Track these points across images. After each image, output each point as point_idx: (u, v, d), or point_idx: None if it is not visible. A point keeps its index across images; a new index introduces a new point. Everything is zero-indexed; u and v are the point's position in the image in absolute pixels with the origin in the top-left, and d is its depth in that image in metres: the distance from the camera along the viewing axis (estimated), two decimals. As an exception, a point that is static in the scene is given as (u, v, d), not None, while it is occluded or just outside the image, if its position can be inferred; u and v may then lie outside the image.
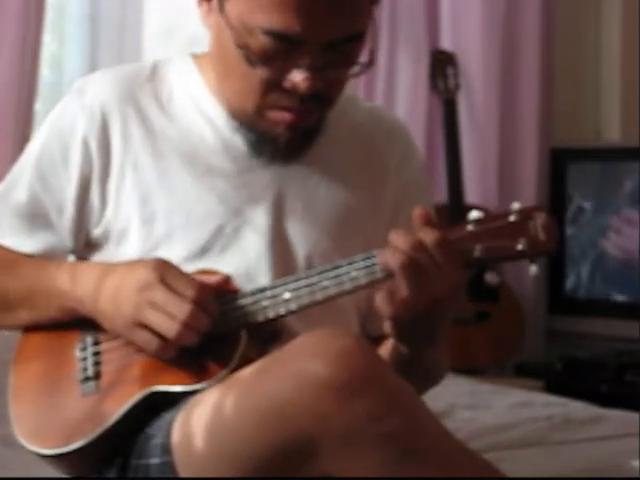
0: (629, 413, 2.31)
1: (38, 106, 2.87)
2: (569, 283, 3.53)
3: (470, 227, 1.30)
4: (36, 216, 1.52)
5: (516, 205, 1.31)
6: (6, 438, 1.70)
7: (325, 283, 1.34)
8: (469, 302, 3.30)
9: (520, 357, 3.45)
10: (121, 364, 1.41)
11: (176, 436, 1.29)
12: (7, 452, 1.82)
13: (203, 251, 1.46)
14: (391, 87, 3.41)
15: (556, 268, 3.51)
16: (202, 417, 1.26)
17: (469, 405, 2.41)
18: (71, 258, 1.56)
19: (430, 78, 3.45)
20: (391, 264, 1.27)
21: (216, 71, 1.48)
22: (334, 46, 1.37)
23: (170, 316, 1.33)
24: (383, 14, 3.36)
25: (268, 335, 1.39)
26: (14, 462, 1.75)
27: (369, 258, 1.33)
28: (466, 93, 3.49)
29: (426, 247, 1.27)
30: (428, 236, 1.27)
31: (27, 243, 1.52)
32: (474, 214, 1.31)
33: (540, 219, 1.29)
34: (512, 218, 1.30)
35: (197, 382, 1.34)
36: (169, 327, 1.33)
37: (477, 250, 1.29)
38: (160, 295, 1.34)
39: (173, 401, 1.35)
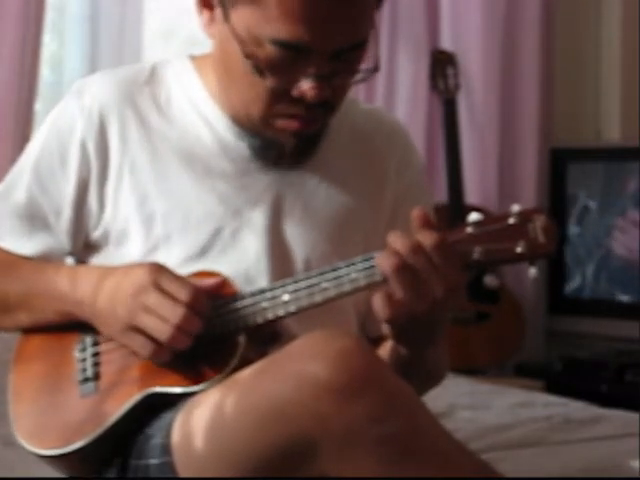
0: (629, 413, 2.31)
1: (38, 106, 2.87)
2: (569, 283, 3.53)
3: (469, 229, 1.30)
4: (34, 218, 1.52)
5: (516, 207, 1.30)
6: (6, 438, 1.70)
7: (324, 285, 1.34)
8: (469, 302, 3.30)
9: (520, 357, 3.46)
10: (120, 365, 1.41)
11: (176, 436, 1.29)
12: (7, 452, 1.82)
13: (202, 252, 1.46)
14: (391, 87, 3.41)
15: (556, 268, 3.51)
16: (202, 418, 1.26)
17: (469, 405, 2.41)
18: (70, 260, 1.56)
19: (430, 78, 3.45)
20: (384, 267, 1.27)
21: (219, 78, 1.48)
22: (340, 55, 1.38)
23: (163, 320, 1.33)
24: (383, 14, 3.36)
25: (267, 337, 1.39)
26: (14, 462, 1.75)
27: (368, 260, 1.32)
28: (466, 93, 3.49)
29: (424, 249, 1.27)
30: (426, 238, 1.27)
31: (25, 245, 1.52)
32: (473, 216, 1.31)
33: (540, 221, 1.29)
34: (511, 220, 1.29)
35: (196, 383, 1.34)
36: (162, 331, 1.34)
37: (476, 252, 1.29)
38: (153, 299, 1.34)
39: (172, 402, 1.35)
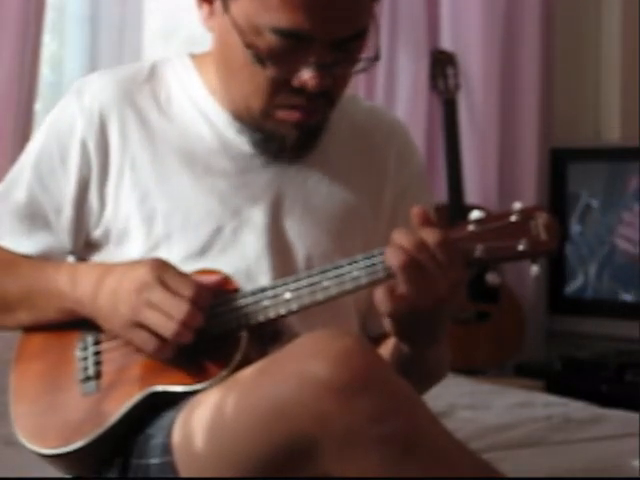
0: (629, 413, 2.31)
1: (38, 106, 2.87)
2: (569, 283, 3.53)
3: (471, 227, 1.30)
4: (35, 217, 1.52)
5: (517, 205, 1.30)
6: (7, 438, 1.70)
7: (326, 283, 1.34)
8: (469, 302, 3.29)
9: (520, 357, 3.46)
10: (122, 364, 1.41)
11: (176, 436, 1.29)
12: (8, 452, 1.82)
13: (203, 251, 1.46)
14: (391, 87, 3.41)
15: (557, 268, 3.51)
16: (203, 417, 1.26)
17: (469, 405, 2.41)
18: (71, 259, 1.56)
19: (430, 78, 3.45)
20: (392, 263, 1.27)
21: (220, 72, 1.48)
22: (341, 44, 1.38)
23: (168, 316, 1.33)
24: (383, 14, 3.36)
25: (269, 335, 1.39)
26: (15, 462, 1.75)
27: (370, 258, 1.32)
28: (466, 93, 3.49)
29: (428, 247, 1.27)
30: (430, 236, 1.27)
31: (25, 244, 1.52)
32: (475, 214, 1.31)
33: (542, 219, 1.29)
34: (513, 218, 1.29)
35: (198, 382, 1.34)
36: (167, 327, 1.34)
37: (478, 250, 1.29)
38: (158, 295, 1.34)
39: (174, 401, 1.35)
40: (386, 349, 1.47)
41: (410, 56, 3.43)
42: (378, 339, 1.52)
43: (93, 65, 3.03)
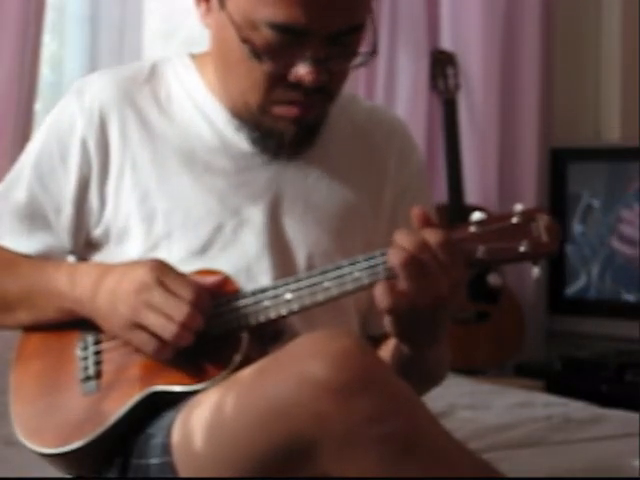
0: (629, 413, 2.31)
1: (38, 106, 2.86)
2: (569, 283, 3.53)
3: (473, 228, 1.30)
4: (35, 217, 1.52)
5: (519, 206, 1.31)
6: (7, 438, 1.71)
7: (327, 284, 1.34)
8: (469, 302, 3.30)
9: (520, 357, 3.46)
10: (122, 363, 1.41)
11: (176, 436, 1.29)
12: (8, 452, 1.82)
13: (203, 250, 1.46)
14: (391, 87, 3.41)
15: (556, 268, 3.51)
16: (202, 417, 1.26)
17: (469, 405, 2.41)
18: (71, 258, 1.56)
19: (430, 78, 3.45)
20: (394, 262, 1.28)
21: (217, 69, 1.49)
22: (337, 38, 1.38)
23: (167, 317, 1.33)
24: (383, 14, 3.36)
25: (269, 335, 1.39)
26: (15, 462, 1.75)
27: (371, 259, 1.32)
28: (466, 93, 3.49)
29: (430, 246, 1.27)
30: (432, 236, 1.28)
31: (25, 244, 1.52)
32: (477, 215, 1.31)
33: (543, 221, 1.29)
34: (515, 220, 1.30)
35: (198, 382, 1.34)
36: (166, 328, 1.34)
37: (480, 251, 1.29)
38: (157, 296, 1.34)
39: (174, 401, 1.35)
40: (386, 350, 1.48)
41: (410, 56, 3.43)
42: (378, 339, 1.52)
43: (93, 65, 3.03)
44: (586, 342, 3.51)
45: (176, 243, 1.47)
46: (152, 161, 1.49)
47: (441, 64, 3.44)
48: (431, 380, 1.52)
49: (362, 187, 1.54)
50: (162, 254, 1.45)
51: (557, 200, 3.55)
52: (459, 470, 1.20)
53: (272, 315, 1.36)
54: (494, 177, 3.51)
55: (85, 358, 1.44)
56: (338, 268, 1.34)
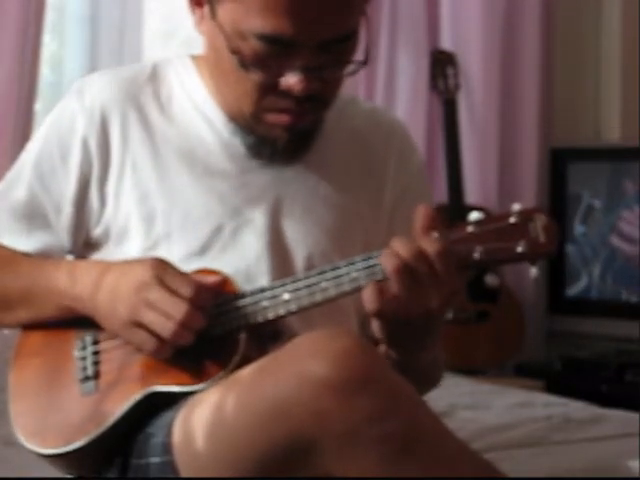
0: (629, 413, 2.31)
1: (38, 106, 2.86)
2: (569, 282, 3.53)
3: (470, 228, 1.30)
4: (35, 216, 1.52)
5: (516, 206, 1.31)
6: (7, 438, 1.70)
7: (324, 284, 1.34)
8: (469, 302, 3.30)
9: (520, 357, 3.45)
10: (120, 364, 1.41)
11: (177, 435, 1.29)
12: (8, 452, 1.82)
13: (202, 251, 1.46)
14: (391, 87, 3.41)
15: (556, 268, 3.51)
16: (202, 417, 1.26)
17: (469, 405, 2.41)
18: (70, 258, 1.56)
19: (430, 78, 3.45)
20: (386, 266, 1.27)
21: (213, 76, 1.49)
22: (327, 47, 1.38)
23: (166, 316, 1.33)
24: (383, 14, 3.37)
25: (268, 335, 1.39)
26: (15, 462, 1.75)
27: (368, 259, 1.33)
28: (466, 93, 3.49)
29: (427, 257, 1.27)
30: (430, 246, 1.27)
31: (24, 243, 1.52)
32: (474, 215, 1.31)
33: (540, 221, 1.29)
34: (512, 220, 1.29)
35: (197, 383, 1.34)
36: (165, 327, 1.33)
37: (477, 252, 1.29)
38: (157, 295, 1.34)
39: (173, 401, 1.35)
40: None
41: (410, 56, 3.42)
42: (378, 340, 1.52)
43: (93, 65, 3.03)
44: (586, 342, 3.51)
45: (176, 243, 1.47)
46: (152, 161, 1.49)
47: (441, 64, 3.44)
48: (424, 383, 1.52)
49: (361, 189, 1.54)
50: (161, 254, 1.44)
51: (557, 200, 3.55)
52: (460, 470, 1.20)
53: (270, 315, 1.36)
54: (494, 177, 3.50)
55: (83, 358, 1.44)
56: (335, 269, 1.34)
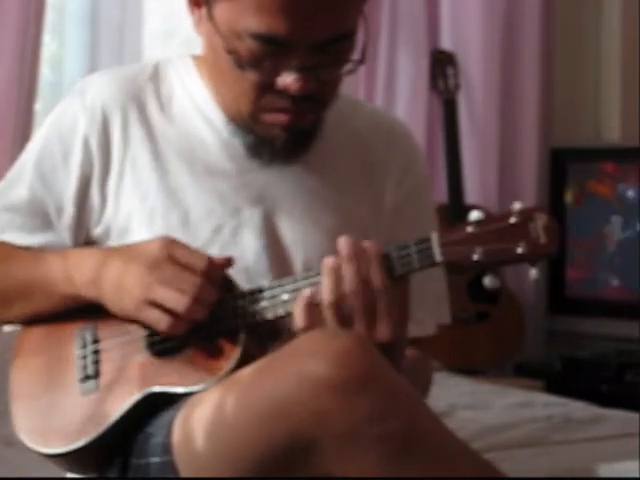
0: (629, 413, 2.32)
1: (38, 106, 2.86)
2: (570, 283, 3.53)
3: (470, 229, 1.28)
4: (36, 215, 1.52)
5: (517, 205, 1.29)
6: (7, 438, 1.71)
7: None
8: (469, 302, 3.30)
9: (520, 357, 3.46)
10: (120, 363, 1.41)
11: (176, 435, 1.29)
12: (8, 452, 1.82)
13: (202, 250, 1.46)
14: (391, 87, 3.41)
15: (557, 268, 3.51)
16: (202, 416, 1.26)
17: (469, 405, 2.41)
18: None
19: (430, 78, 3.45)
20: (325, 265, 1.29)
21: (211, 76, 1.49)
22: (323, 46, 1.37)
23: (180, 291, 1.34)
24: (383, 14, 3.37)
25: (267, 335, 1.39)
26: (15, 462, 1.75)
27: None
28: (466, 93, 3.49)
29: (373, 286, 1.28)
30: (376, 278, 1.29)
31: (26, 242, 1.52)
32: (474, 215, 1.30)
33: (541, 220, 1.28)
34: (513, 220, 1.28)
35: (196, 383, 1.34)
36: (180, 302, 1.33)
37: (477, 253, 1.28)
38: (169, 271, 1.35)
39: (173, 401, 1.35)
40: None
41: (410, 56, 3.43)
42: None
43: (93, 65, 3.03)
44: (586, 342, 3.51)
45: (176, 242, 1.47)
46: (152, 161, 1.49)
47: (441, 64, 3.44)
48: None
49: (361, 191, 1.54)
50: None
51: (557, 200, 3.55)
52: (460, 469, 1.20)
53: (269, 316, 1.36)
54: (494, 177, 3.51)
55: (83, 357, 1.44)
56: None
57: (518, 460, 1.87)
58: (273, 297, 1.35)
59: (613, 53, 3.72)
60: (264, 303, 1.36)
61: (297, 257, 1.48)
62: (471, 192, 3.43)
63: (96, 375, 1.42)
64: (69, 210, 1.51)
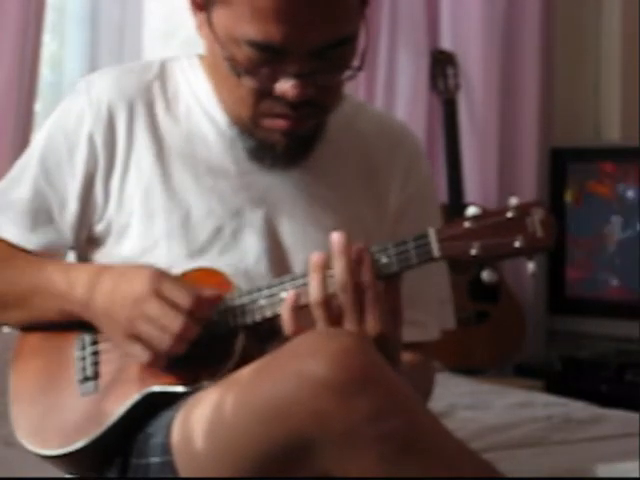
0: (629, 413, 2.31)
1: (38, 106, 2.86)
2: (570, 283, 3.53)
3: (467, 224, 1.29)
4: (39, 212, 1.52)
5: (514, 200, 1.29)
6: (7, 438, 1.71)
7: None
8: (469, 302, 3.30)
9: (520, 357, 3.45)
10: (120, 364, 1.41)
11: (176, 435, 1.29)
12: (8, 452, 1.82)
13: (202, 251, 1.46)
14: (391, 87, 3.41)
15: (556, 267, 3.51)
16: (202, 416, 1.26)
17: (469, 405, 2.41)
18: (71, 255, 1.56)
19: (430, 78, 3.45)
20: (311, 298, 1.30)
21: (214, 79, 1.49)
22: (321, 52, 1.36)
23: (162, 329, 1.33)
24: (383, 14, 3.37)
25: (266, 334, 1.39)
26: (15, 462, 1.75)
27: None
28: (466, 93, 3.49)
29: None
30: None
31: (28, 238, 1.52)
32: (471, 210, 1.30)
33: (538, 215, 1.28)
34: (510, 214, 1.28)
35: (195, 382, 1.34)
36: (161, 340, 1.34)
37: (474, 248, 1.28)
38: (154, 308, 1.34)
39: (172, 401, 1.35)
40: None
41: (410, 56, 3.43)
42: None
43: (93, 65, 3.03)
44: (586, 342, 3.51)
45: (175, 242, 1.47)
46: (156, 159, 1.49)
47: (441, 64, 3.44)
48: None
49: (363, 193, 1.54)
50: (161, 252, 1.45)
51: (557, 200, 3.55)
52: (459, 469, 1.20)
53: (268, 314, 1.35)
54: (494, 177, 3.51)
55: (83, 358, 1.44)
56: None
57: (518, 460, 1.87)
58: (272, 296, 1.35)
59: (613, 53, 3.72)
60: (262, 302, 1.36)
61: (298, 260, 1.48)
62: (471, 192, 3.43)
63: (95, 376, 1.42)
64: (72, 207, 1.51)
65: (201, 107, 1.52)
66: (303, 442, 1.18)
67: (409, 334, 1.40)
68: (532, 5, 3.55)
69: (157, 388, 1.36)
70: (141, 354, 1.36)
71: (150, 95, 1.51)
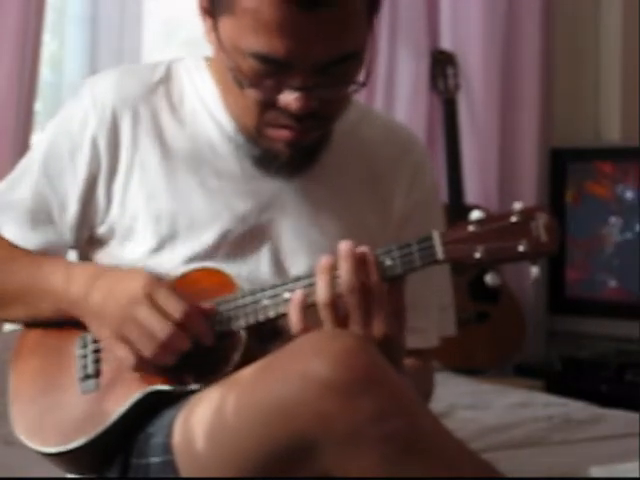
0: (629, 413, 2.32)
1: (38, 106, 2.86)
2: (570, 283, 3.53)
3: (471, 227, 1.29)
4: (39, 212, 1.52)
5: (518, 205, 1.30)
6: (7, 437, 1.71)
7: None
8: (469, 302, 3.30)
9: (520, 357, 3.45)
10: (121, 362, 1.40)
11: (177, 435, 1.29)
12: (8, 452, 1.82)
13: (207, 255, 1.46)
14: (391, 87, 3.41)
15: (557, 268, 3.52)
16: (203, 416, 1.26)
17: (469, 405, 2.41)
18: (72, 254, 1.57)
19: (430, 78, 3.44)
20: (319, 298, 1.30)
21: (221, 84, 1.49)
22: (325, 68, 1.35)
23: (150, 336, 1.33)
24: (383, 14, 3.36)
25: (269, 334, 1.39)
26: (15, 462, 1.75)
27: None
28: (466, 93, 3.49)
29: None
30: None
31: (28, 237, 1.52)
32: (475, 214, 1.30)
33: (542, 219, 1.28)
34: (514, 219, 1.29)
35: (197, 382, 1.34)
36: (147, 346, 1.34)
37: (478, 252, 1.29)
38: (144, 313, 1.34)
39: (173, 400, 1.35)
40: None
41: (410, 56, 3.42)
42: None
43: (93, 65, 3.03)
44: (586, 342, 3.51)
45: (180, 246, 1.47)
46: (160, 162, 1.49)
47: (441, 64, 3.44)
48: None
49: (368, 201, 1.53)
50: (166, 255, 1.45)
51: (557, 200, 3.55)
52: (459, 470, 1.20)
53: (271, 314, 1.35)
54: (494, 177, 3.51)
55: (84, 356, 1.44)
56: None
57: (518, 460, 1.87)
58: (275, 296, 1.35)
59: (613, 53, 3.72)
60: (265, 302, 1.36)
61: (302, 266, 1.48)
62: (471, 192, 3.43)
63: (96, 374, 1.42)
64: (73, 208, 1.51)
65: (207, 111, 1.51)
66: (305, 442, 1.18)
67: (409, 341, 1.40)
68: (532, 5, 3.55)
69: (158, 387, 1.36)
70: (127, 357, 1.36)
71: (155, 98, 1.51)
